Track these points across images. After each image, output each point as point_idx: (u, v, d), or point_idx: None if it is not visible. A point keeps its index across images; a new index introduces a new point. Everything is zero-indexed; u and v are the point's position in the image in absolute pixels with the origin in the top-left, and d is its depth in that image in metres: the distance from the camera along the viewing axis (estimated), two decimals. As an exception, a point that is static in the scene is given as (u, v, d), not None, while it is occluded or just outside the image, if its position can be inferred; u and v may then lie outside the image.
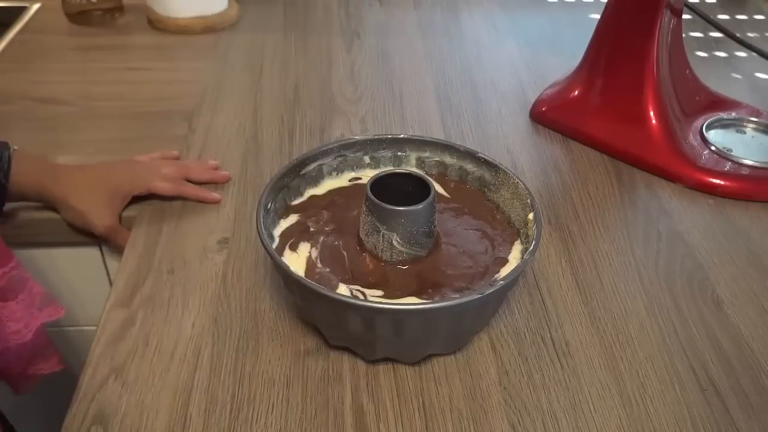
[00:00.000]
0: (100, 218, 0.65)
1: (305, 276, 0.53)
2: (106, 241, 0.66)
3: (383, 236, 0.53)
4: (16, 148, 0.64)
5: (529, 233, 0.55)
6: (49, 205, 0.66)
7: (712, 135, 0.80)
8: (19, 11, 1.08)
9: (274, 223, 0.58)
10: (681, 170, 0.75)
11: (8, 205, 0.66)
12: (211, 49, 0.99)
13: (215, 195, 0.69)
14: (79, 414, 0.50)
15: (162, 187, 0.67)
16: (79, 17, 1.04)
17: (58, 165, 0.67)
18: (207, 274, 0.62)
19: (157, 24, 1.04)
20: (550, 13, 1.15)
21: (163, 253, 0.64)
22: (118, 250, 0.66)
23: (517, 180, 0.59)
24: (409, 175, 0.57)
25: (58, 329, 0.79)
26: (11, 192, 0.63)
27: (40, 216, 0.68)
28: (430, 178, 0.55)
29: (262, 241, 0.52)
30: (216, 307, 0.59)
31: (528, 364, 0.55)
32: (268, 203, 0.56)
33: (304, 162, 0.61)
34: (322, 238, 0.57)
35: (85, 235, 0.67)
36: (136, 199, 0.68)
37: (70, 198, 0.65)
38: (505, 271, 0.55)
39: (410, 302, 0.51)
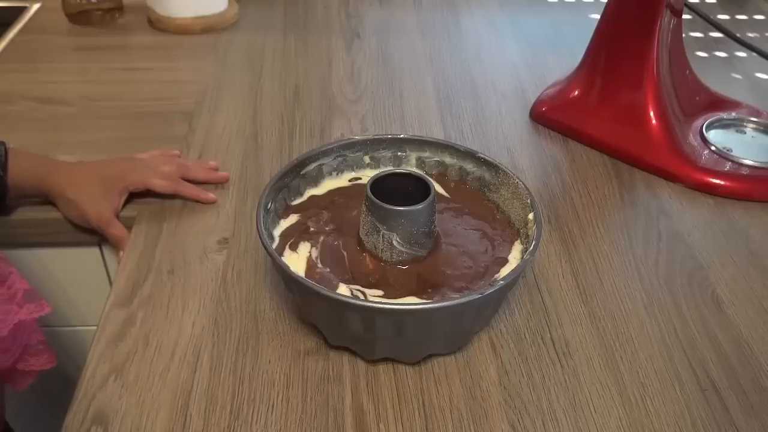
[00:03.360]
0: (95, 210, 0.65)
1: (305, 276, 0.53)
2: (101, 234, 0.66)
3: (383, 236, 0.53)
4: (11, 146, 0.64)
5: (529, 233, 0.55)
6: (47, 198, 0.66)
7: (712, 135, 0.80)
8: (19, 11, 1.08)
9: (274, 223, 0.58)
10: (681, 170, 0.75)
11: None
12: (211, 49, 0.99)
13: (211, 195, 0.69)
14: (79, 414, 0.50)
15: (159, 184, 0.67)
16: (79, 17, 1.04)
17: (56, 160, 0.67)
18: (207, 274, 0.62)
19: (157, 24, 1.04)
20: (550, 13, 1.15)
21: (163, 253, 0.64)
22: (112, 243, 0.66)
23: (517, 180, 0.59)
24: (409, 175, 0.57)
25: (59, 329, 0.79)
26: (10, 187, 0.64)
27: (40, 216, 0.68)
28: (430, 178, 0.55)
29: (262, 241, 0.52)
30: (216, 307, 0.59)
31: (528, 364, 0.55)
32: (268, 203, 0.56)
33: (304, 162, 0.61)
34: (322, 238, 0.57)
35: (84, 232, 0.67)
36: (136, 199, 0.68)
37: (68, 190, 0.65)
38: (505, 271, 0.55)
39: (410, 302, 0.51)
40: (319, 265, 0.55)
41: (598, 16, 0.78)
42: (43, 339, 0.61)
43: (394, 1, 1.16)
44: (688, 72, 0.83)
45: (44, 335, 0.61)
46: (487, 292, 0.48)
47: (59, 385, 0.63)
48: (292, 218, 0.59)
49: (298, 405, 0.51)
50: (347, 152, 0.63)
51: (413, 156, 0.65)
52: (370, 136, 0.64)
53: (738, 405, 0.52)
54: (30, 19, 1.06)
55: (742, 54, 1.03)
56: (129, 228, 0.66)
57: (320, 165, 0.62)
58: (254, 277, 0.62)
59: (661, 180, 0.76)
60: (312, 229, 0.58)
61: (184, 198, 0.69)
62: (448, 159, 0.64)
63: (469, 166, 0.63)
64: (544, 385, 0.53)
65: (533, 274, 0.63)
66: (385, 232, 0.53)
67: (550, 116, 0.84)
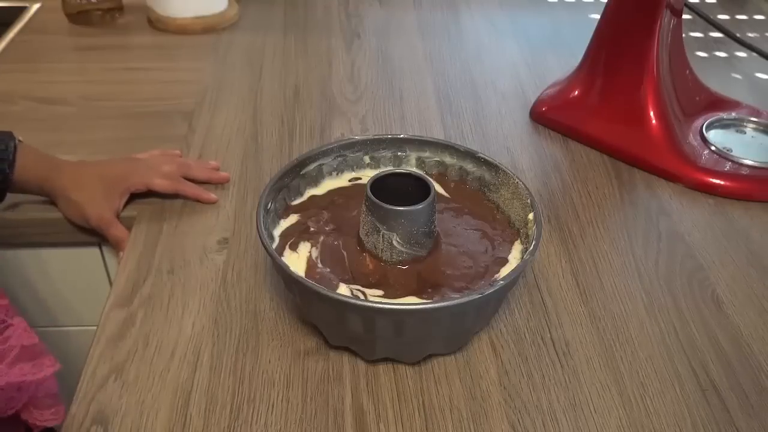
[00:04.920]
0: (96, 210, 0.65)
1: (305, 276, 0.53)
2: (101, 234, 0.66)
3: (383, 236, 0.53)
4: (20, 139, 0.64)
5: (529, 233, 0.55)
6: (49, 197, 0.66)
7: (712, 135, 0.80)
8: (19, 11, 1.08)
9: (274, 223, 0.58)
10: (681, 170, 0.75)
11: (7, 200, 0.66)
12: (211, 49, 0.99)
13: (212, 195, 0.69)
14: (79, 414, 0.50)
15: (160, 184, 0.67)
16: (79, 17, 1.04)
17: (61, 159, 0.67)
18: (207, 274, 0.62)
19: (157, 24, 1.04)
20: (550, 13, 1.15)
21: (163, 253, 0.64)
22: (112, 244, 0.66)
23: (517, 180, 0.59)
24: (409, 175, 0.57)
25: (59, 329, 0.79)
26: (14, 182, 0.64)
27: (40, 216, 0.68)
28: (430, 178, 0.55)
29: (262, 241, 0.52)
30: (216, 307, 0.59)
31: (528, 364, 0.55)
32: (268, 203, 0.56)
33: (304, 162, 0.61)
34: (322, 238, 0.57)
35: (84, 232, 0.67)
36: (136, 199, 0.68)
37: (71, 191, 0.65)
38: (505, 271, 0.55)
39: (410, 302, 0.51)
40: (319, 265, 0.55)
41: (598, 16, 0.78)
42: (53, 392, 0.58)
43: (394, 1, 1.16)
44: (688, 72, 0.83)
45: (57, 388, 0.58)
46: (487, 292, 0.48)
47: (59, 385, 0.63)
48: (292, 218, 0.59)
49: (298, 405, 0.51)
50: (347, 152, 0.63)
51: (413, 156, 0.65)
52: (370, 136, 0.64)
53: (738, 405, 0.52)
54: (30, 19, 1.06)
55: (742, 54, 1.03)
56: (129, 228, 0.66)
57: (320, 165, 0.62)
58: (254, 277, 0.62)
59: (661, 180, 0.76)
60: (312, 229, 0.58)
61: (185, 197, 0.69)
62: (448, 159, 0.64)
63: (469, 166, 0.63)
64: (544, 385, 0.53)
65: (533, 274, 0.63)
66: (385, 232, 0.53)
67: (550, 116, 0.84)
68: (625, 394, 0.53)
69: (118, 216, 0.66)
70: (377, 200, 0.52)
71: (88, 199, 0.65)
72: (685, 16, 0.78)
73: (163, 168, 0.69)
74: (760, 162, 0.75)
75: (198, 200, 0.69)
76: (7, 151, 0.62)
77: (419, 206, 0.53)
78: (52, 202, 0.67)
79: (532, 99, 0.87)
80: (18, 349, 0.55)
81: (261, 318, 0.58)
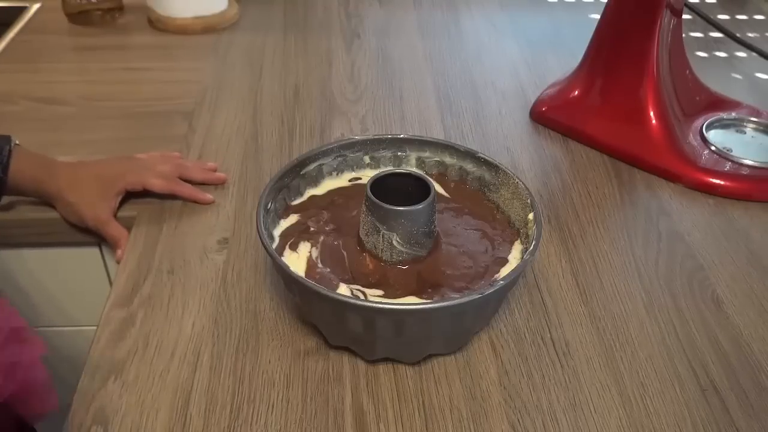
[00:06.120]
0: (92, 210, 0.65)
1: (305, 276, 0.53)
2: (98, 234, 0.66)
3: (383, 236, 0.53)
4: (17, 143, 0.64)
5: (529, 233, 0.55)
6: (45, 200, 0.66)
7: (712, 135, 0.80)
8: (19, 11, 1.08)
9: (274, 223, 0.58)
10: (681, 170, 0.75)
11: (6, 201, 0.66)
12: (211, 49, 0.99)
13: (208, 196, 0.69)
14: (79, 414, 0.50)
15: (156, 183, 0.67)
16: (79, 17, 1.04)
17: (56, 161, 0.67)
18: (207, 274, 0.62)
19: (157, 24, 1.04)
20: (550, 13, 1.15)
21: (163, 253, 0.64)
22: (109, 243, 0.66)
23: (517, 180, 0.59)
24: (409, 175, 0.57)
25: (59, 329, 0.79)
26: (8, 186, 0.64)
27: (40, 216, 0.68)
28: (430, 178, 0.55)
29: (262, 241, 0.52)
30: (216, 307, 0.59)
31: (528, 364, 0.55)
32: (268, 203, 0.56)
33: (304, 162, 0.61)
34: (322, 238, 0.57)
35: (83, 232, 0.67)
36: (136, 199, 0.68)
37: (66, 193, 0.65)
38: (505, 271, 0.55)
39: (410, 302, 0.51)
40: (319, 265, 0.55)
41: (598, 16, 0.78)
42: (46, 380, 0.58)
43: (394, 1, 1.16)
44: (688, 72, 0.83)
45: (47, 378, 0.58)
46: (487, 292, 0.48)
47: (59, 385, 0.62)
48: (292, 218, 0.59)
49: (298, 405, 0.51)
50: (347, 152, 0.63)
51: (413, 156, 0.65)
52: (370, 136, 0.64)
53: (738, 405, 0.52)
54: (30, 19, 1.06)
55: (742, 54, 1.03)
56: (129, 228, 0.66)
57: (320, 165, 0.62)
58: (254, 277, 0.62)
59: (661, 180, 0.76)
60: (312, 229, 0.58)
61: (181, 198, 0.69)
62: (448, 159, 0.64)
63: (469, 166, 0.63)
64: (544, 385, 0.53)
65: (533, 274, 0.63)
66: (385, 232, 0.53)
67: (550, 116, 0.84)
68: (625, 394, 0.53)
69: (114, 215, 0.66)
70: (377, 200, 0.52)
71: (84, 200, 0.65)
72: (685, 16, 0.78)
73: (159, 168, 0.69)
74: (760, 162, 0.75)
75: (194, 201, 0.69)
76: (1, 155, 0.62)
77: (419, 206, 0.53)
78: (48, 203, 0.67)
79: (532, 99, 0.87)
80: (7, 331, 0.55)
81: (261, 318, 0.58)
